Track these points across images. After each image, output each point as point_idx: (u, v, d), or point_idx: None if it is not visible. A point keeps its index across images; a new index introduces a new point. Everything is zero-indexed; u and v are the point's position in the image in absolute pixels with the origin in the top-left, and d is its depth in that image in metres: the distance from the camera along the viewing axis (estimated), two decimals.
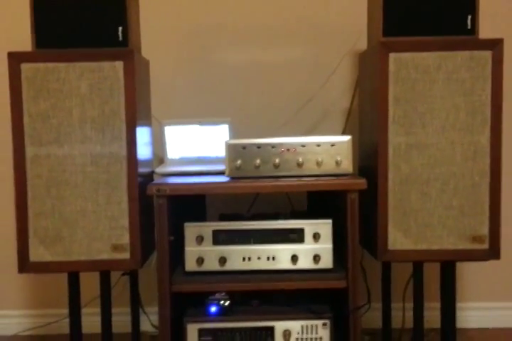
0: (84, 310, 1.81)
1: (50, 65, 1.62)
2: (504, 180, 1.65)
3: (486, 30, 1.71)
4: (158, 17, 2.13)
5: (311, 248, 1.66)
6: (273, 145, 1.67)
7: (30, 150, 1.63)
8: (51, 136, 1.63)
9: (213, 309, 1.69)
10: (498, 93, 1.62)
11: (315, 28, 2.15)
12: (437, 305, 1.83)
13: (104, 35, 1.65)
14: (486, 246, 1.66)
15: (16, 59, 1.62)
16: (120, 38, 1.65)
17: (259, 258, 1.67)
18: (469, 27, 1.64)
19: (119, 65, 1.62)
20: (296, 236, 1.67)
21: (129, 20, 1.66)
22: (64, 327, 1.93)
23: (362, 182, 1.62)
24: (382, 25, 1.66)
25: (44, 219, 1.64)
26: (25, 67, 1.62)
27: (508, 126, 1.73)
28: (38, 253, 1.65)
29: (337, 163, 1.66)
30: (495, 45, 1.61)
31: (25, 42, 1.68)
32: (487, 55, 1.61)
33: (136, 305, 1.91)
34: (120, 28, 1.65)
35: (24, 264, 1.65)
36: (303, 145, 1.67)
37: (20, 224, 1.64)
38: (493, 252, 1.66)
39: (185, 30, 2.17)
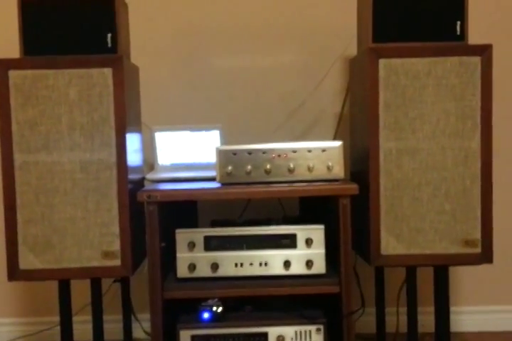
0: (75, 318, 1.80)
1: (39, 71, 1.61)
2: (495, 184, 1.66)
3: (475, 36, 1.71)
4: (147, 23, 2.12)
5: (304, 253, 1.66)
6: (264, 151, 1.67)
7: (18, 158, 1.62)
8: (40, 143, 1.62)
9: (206, 315, 1.68)
10: (488, 98, 1.63)
11: (306, 33, 2.15)
12: (431, 309, 1.82)
13: (93, 41, 1.64)
14: (478, 250, 1.66)
15: (3, 66, 1.61)
16: (109, 45, 1.64)
17: (251, 264, 1.66)
18: (458, 33, 1.65)
19: (108, 71, 1.62)
20: (288, 241, 1.67)
21: (118, 27, 1.65)
22: (55, 335, 1.91)
23: (353, 188, 1.62)
24: (372, 31, 1.66)
25: (33, 226, 1.63)
26: (13, 74, 1.61)
27: (498, 130, 1.73)
28: (27, 261, 1.64)
29: (328, 169, 1.66)
30: (484, 51, 1.62)
31: (13, 49, 1.67)
32: (476, 60, 1.62)
33: (128, 312, 1.90)
34: (109, 35, 1.64)
35: (14, 272, 1.64)
36: (294, 151, 1.67)
37: (9, 231, 1.63)
38: (485, 256, 1.67)
39: (175, 36, 2.16)
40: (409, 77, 1.62)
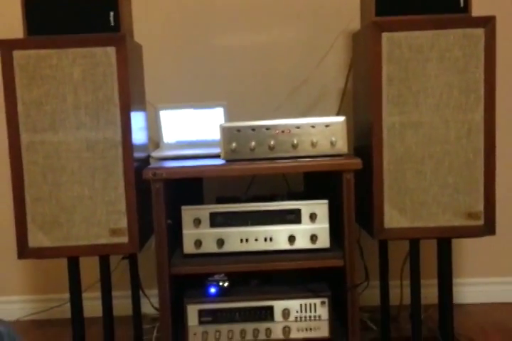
0: (85, 295, 1.83)
1: (42, 51, 1.61)
2: (498, 157, 1.66)
3: (478, 8, 1.70)
4: (149, 1, 2.11)
5: (308, 228, 1.68)
6: (267, 128, 1.67)
7: (25, 138, 1.63)
8: (45, 122, 1.63)
9: (213, 290, 1.71)
10: (492, 71, 1.62)
11: (308, 8, 2.14)
12: (434, 281, 1.85)
13: (96, 20, 1.63)
14: (481, 222, 1.67)
15: (7, 46, 1.61)
16: (112, 23, 1.64)
17: (256, 239, 1.68)
18: (462, 5, 1.63)
19: (111, 50, 1.61)
20: (293, 216, 1.68)
21: (121, 5, 1.64)
22: (65, 311, 1.95)
23: (357, 162, 1.63)
24: (375, 5, 1.64)
25: (41, 205, 1.65)
26: (17, 54, 1.61)
27: (502, 103, 1.73)
28: (36, 239, 1.66)
29: (332, 144, 1.67)
30: (487, 23, 1.61)
31: (16, 29, 1.67)
32: (480, 32, 1.61)
33: (136, 288, 1.92)
34: (111, 13, 1.63)
35: (23, 250, 1.67)
36: (297, 127, 1.67)
37: (17, 210, 1.65)
38: (488, 228, 1.68)
39: (177, 14, 2.15)
40: (412, 50, 1.62)
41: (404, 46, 1.62)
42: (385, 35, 1.62)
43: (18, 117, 1.63)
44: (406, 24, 1.62)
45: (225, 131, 1.68)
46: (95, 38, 1.62)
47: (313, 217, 1.67)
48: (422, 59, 1.62)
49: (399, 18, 1.63)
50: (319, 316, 1.70)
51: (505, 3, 2.11)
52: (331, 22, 2.11)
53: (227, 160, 1.68)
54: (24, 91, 1.62)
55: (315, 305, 1.70)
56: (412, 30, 1.61)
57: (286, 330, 1.70)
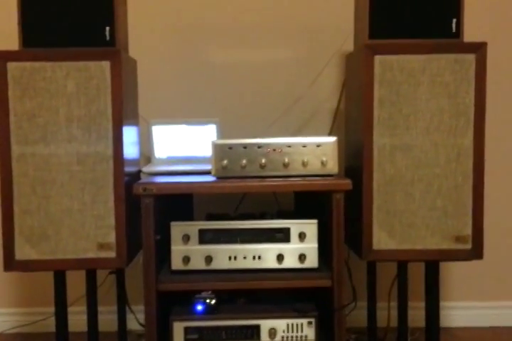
0: (70, 309, 1.81)
1: (37, 64, 1.62)
2: (487, 181, 1.67)
3: (470, 34, 1.72)
4: (145, 17, 2.13)
5: (297, 247, 1.68)
6: (259, 146, 1.68)
7: (16, 149, 1.63)
8: (37, 135, 1.63)
9: (199, 307, 1.70)
10: (482, 96, 1.64)
11: (303, 28, 2.16)
12: (422, 304, 1.85)
13: (92, 34, 1.65)
14: (469, 246, 1.68)
15: (2, 58, 1.62)
16: (107, 38, 1.65)
17: (245, 257, 1.68)
18: (454, 30, 1.66)
19: (105, 64, 1.62)
20: (282, 235, 1.68)
21: (117, 20, 1.66)
22: (50, 325, 1.93)
23: (347, 183, 1.64)
24: (368, 28, 1.67)
25: (30, 217, 1.64)
26: (11, 65, 1.62)
27: (491, 128, 1.75)
28: (23, 251, 1.65)
29: (323, 164, 1.68)
30: (479, 49, 1.63)
31: (11, 41, 1.68)
32: (471, 58, 1.63)
33: (122, 303, 1.91)
34: (107, 28, 1.65)
35: (10, 262, 1.65)
36: (289, 146, 1.68)
37: (5, 222, 1.64)
38: (476, 252, 1.68)
39: (173, 30, 2.17)
40: (404, 73, 1.64)
41: (396, 69, 1.64)
42: (377, 58, 1.64)
43: (9, 128, 1.63)
44: (398, 48, 1.64)
45: (216, 147, 1.68)
46: (90, 51, 1.63)
47: (302, 236, 1.68)
48: (413, 82, 1.64)
49: (392, 42, 1.66)
50: (306, 336, 1.69)
51: (497, 30, 2.15)
52: (326, 42, 2.13)
53: (218, 177, 1.68)
54: (17, 102, 1.62)
55: (302, 325, 1.69)
56: (405, 54, 1.63)
57: None
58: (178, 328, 1.68)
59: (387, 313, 2.01)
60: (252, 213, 1.89)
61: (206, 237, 1.68)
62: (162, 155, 1.94)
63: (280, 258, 1.67)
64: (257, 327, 1.69)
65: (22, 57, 1.62)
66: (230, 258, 1.68)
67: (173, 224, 1.68)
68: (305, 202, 2.00)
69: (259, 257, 1.68)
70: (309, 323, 1.69)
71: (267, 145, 1.68)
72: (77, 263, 1.66)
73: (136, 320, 2.01)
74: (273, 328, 1.69)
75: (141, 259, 1.69)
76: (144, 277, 1.64)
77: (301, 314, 1.69)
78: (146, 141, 1.94)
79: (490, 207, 1.80)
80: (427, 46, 1.64)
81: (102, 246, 1.66)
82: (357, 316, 1.99)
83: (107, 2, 1.65)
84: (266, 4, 2.16)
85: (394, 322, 1.86)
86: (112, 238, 1.65)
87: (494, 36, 2.01)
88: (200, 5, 2.16)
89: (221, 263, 1.68)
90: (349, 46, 1.94)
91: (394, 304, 1.84)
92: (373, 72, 1.64)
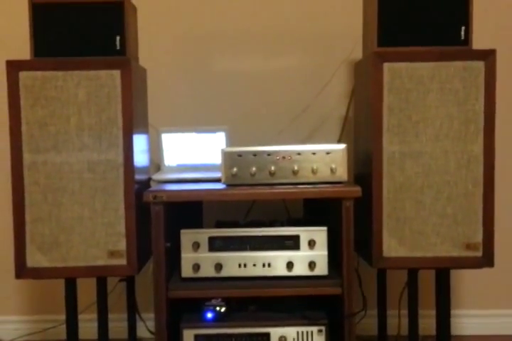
0: (81, 316, 1.82)
1: (48, 73, 1.64)
2: (497, 188, 1.67)
3: (479, 41, 1.72)
4: (155, 26, 2.14)
5: (307, 255, 1.68)
6: (269, 153, 1.68)
7: (27, 158, 1.64)
8: (49, 143, 1.65)
9: (209, 315, 1.70)
10: (491, 103, 1.64)
11: (312, 37, 2.17)
12: (433, 312, 1.84)
13: (102, 44, 1.67)
14: (479, 253, 1.67)
15: (14, 67, 1.64)
16: (118, 47, 1.67)
17: (254, 264, 1.68)
18: (463, 38, 1.66)
19: (116, 73, 1.64)
20: (291, 243, 1.68)
21: (127, 30, 1.68)
22: (61, 333, 1.93)
23: (357, 190, 1.64)
24: (377, 35, 1.67)
25: (41, 225, 1.65)
26: (23, 75, 1.64)
27: (501, 134, 1.75)
28: (35, 259, 1.66)
29: (332, 171, 1.68)
30: (488, 56, 1.63)
31: (23, 50, 1.70)
32: (480, 65, 1.63)
33: (132, 311, 1.92)
34: (118, 37, 1.66)
35: (21, 270, 1.67)
36: (298, 154, 1.68)
37: (17, 230, 1.65)
38: (487, 260, 1.68)
39: (183, 39, 2.18)
40: (413, 81, 1.64)
41: (405, 77, 1.64)
42: (386, 66, 1.64)
43: (21, 137, 1.64)
44: (407, 55, 1.64)
45: (226, 155, 1.69)
46: (101, 61, 1.65)
47: (311, 243, 1.67)
48: (422, 90, 1.64)
49: (401, 49, 1.66)
50: None
51: (506, 37, 2.14)
52: (334, 50, 2.14)
53: (228, 185, 1.69)
54: (28, 111, 1.64)
55: (312, 332, 1.69)
56: (414, 62, 1.64)
57: None
58: (188, 336, 1.68)
59: (397, 321, 2.00)
60: (262, 220, 1.89)
61: (216, 245, 1.68)
62: (172, 163, 1.95)
63: (290, 265, 1.67)
64: (267, 335, 1.68)
65: (34, 66, 1.64)
66: (239, 265, 1.68)
67: (183, 231, 1.68)
68: (314, 209, 2.00)
69: (269, 264, 1.68)
70: (319, 331, 1.68)
71: (277, 152, 1.68)
72: (88, 271, 1.67)
73: (146, 328, 2.02)
74: (283, 336, 1.68)
75: (151, 267, 1.69)
76: (154, 284, 1.64)
77: (311, 322, 1.69)
78: (155, 149, 1.96)
79: (501, 214, 1.79)
80: (435, 53, 1.64)
81: (112, 254, 1.66)
82: (367, 324, 1.99)
83: (118, 12, 1.67)
84: (275, 13, 2.18)
85: (404, 331, 1.85)
86: (122, 245, 1.66)
87: (503, 43, 2.01)
88: (209, 14, 2.18)
89: (231, 270, 1.68)
90: (358, 54, 1.95)
91: (404, 312, 1.83)
92: (382, 79, 1.64)
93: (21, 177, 1.65)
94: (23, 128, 1.64)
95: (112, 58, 1.66)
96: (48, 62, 1.65)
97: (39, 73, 1.64)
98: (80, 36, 1.67)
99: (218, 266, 1.67)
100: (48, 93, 1.64)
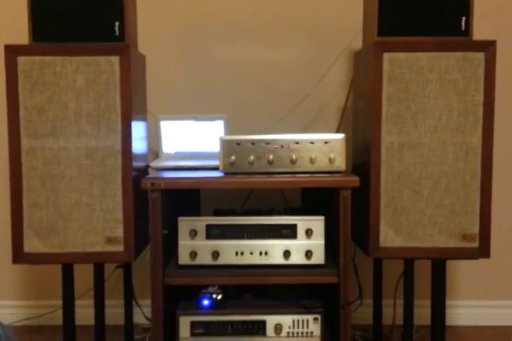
0: (77, 302, 1.83)
1: (47, 58, 1.63)
2: (495, 179, 1.67)
3: (479, 32, 1.72)
4: (155, 12, 2.13)
5: (304, 244, 1.68)
6: (267, 142, 1.68)
7: (25, 143, 1.64)
8: (46, 129, 1.64)
9: (206, 302, 1.71)
10: (491, 94, 1.63)
11: (312, 26, 2.16)
12: (428, 302, 1.84)
13: (101, 29, 1.65)
14: (476, 244, 1.68)
15: (12, 52, 1.63)
16: (117, 33, 1.66)
17: (251, 253, 1.68)
18: (463, 28, 1.65)
19: (115, 59, 1.63)
20: (288, 232, 1.69)
21: (126, 16, 1.67)
22: (57, 318, 1.95)
23: (355, 180, 1.64)
24: (378, 25, 1.66)
25: (38, 211, 1.66)
26: (21, 60, 1.63)
27: (500, 126, 1.75)
28: (32, 244, 1.66)
29: (330, 161, 1.68)
30: (488, 47, 1.62)
31: (22, 35, 1.69)
32: (480, 56, 1.63)
33: (129, 297, 1.92)
34: (117, 23, 1.65)
35: (18, 255, 1.67)
36: (297, 143, 1.68)
37: (14, 215, 1.66)
38: (483, 251, 1.68)
39: (182, 26, 2.17)
40: (412, 71, 1.63)
41: (404, 67, 1.64)
42: (386, 55, 1.64)
43: (19, 122, 1.64)
44: (408, 45, 1.64)
45: (224, 143, 1.69)
46: (100, 46, 1.64)
47: (309, 232, 1.68)
48: (422, 80, 1.64)
49: (401, 39, 1.65)
50: (311, 332, 1.69)
51: (506, 28, 2.14)
52: (334, 40, 2.13)
53: (226, 173, 1.69)
54: (27, 96, 1.64)
55: (307, 321, 1.70)
56: (414, 52, 1.63)
57: None
58: (185, 322, 1.69)
59: (392, 311, 2.01)
60: (260, 209, 1.90)
61: (213, 232, 1.69)
62: (170, 151, 1.95)
63: (287, 254, 1.68)
64: (263, 323, 1.70)
65: (32, 51, 1.63)
66: (236, 253, 1.68)
67: (180, 219, 1.69)
68: (312, 198, 2.00)
69: (266, 253, 1.68)
70: (315, 319, 1.69)
71: (275, 141, 1.68)
72: (85, 257, 1.67)
73: (142, 314, 2.02)
74: (279, 324, 1.69)
75: (148, 254, 1.70)
76: (151, 271, 1.65)
77: (307, 310, 1.70)
78: (154, 136, 1.95)
79: (498, 206, 1.79)
80: (436, 44, 1.63)
81: (109, 240, 1.67)
82: (363, 313, 2.00)
83: None
84: (275, 2, 2.17)
85: (399, 320, 1.86)
86: (119, 232, 1.67)
87: (503, 34, 2.01)
88: (209, 1, 2.17)
89: (228, 258, 1.68)
90: (358, 43, 1.94)
91: (400, 302, 1.84)
92: (382, 69, 1.63)
93: (19, 163, 1.64)
94: (21, 113, 1.64)
95: (110, 44, 1.65)
96: (47, 47, 1.64)
97: (37, 58, 1.63)
98: (79, 21, 1.66)
99: (215, 254, 1.67)
100: (47, 78, 1.63)
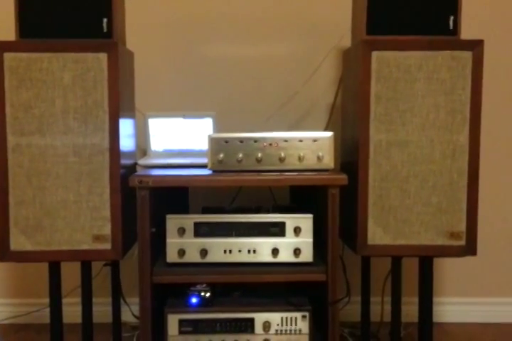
0: (65, 300, 1.82)
1: (34, 54, 1.61)
2: (482, 178, 1.68)
3: (467, 31, 1.72)
4: (143, 9, 2.12)
5: (292, 241, 1.68)
6: (256, 140, 1.68)
7: (11, 140, 1.63)
8: (33, 126, 1.63)
9: (194, 300, 1.71)
10: (478, 93, 1.64)
11: (300, 23, 2.16)
12: (415, 299, 1.86)
13: (89, 26, 1.64)
14: (462, 242, 1.69)
15: None
16: (105, 30, 1.64)
17: (240, 250, 1.68)
18: (451, 27, 1.66)
19: (102, 56, 1.62)
20: (277, 229, 1.69)
21: (114, 12, 1.65)
22: (45, 316, 1.94)
23: (343, 178, 1.64)
24: (366, 24, 1.67)
25: (25, 208, 1.64)
26: (8, 56, 1.61)
27: (487, 125, 1.76)
28: (18, 242, 1.65)
29: (319, 159, 1.68)
30: (475, 46, 1.63)
31: (8, 31, 1.68)
32: (468, 55, 1.63)
33: (117, 295, 1.92)
34: (105, 20, 1.64)
35: (5, 253, 1.66)
36: (285, 141, 1.68)
37: (0, 213, 1.64)
38: (469, 248, 1.69)
39: (171, 23, 2.16)
40: (400, 70, 1.64)
41: (393, 65, 1.64)
42: (374, 54, 1.64)
43: (5, 119, 1.62)
44: (396, 44, 1.64)
45: (213, 141, 1.68)
46: (87, 43, 1.63)
47: (297, 230, 1.68)
48: (410, 79, 1.64)
49: (389, 38, 1.66)
50: (300, 330, 1.70)
51: (494, 27, 2.15)
52: (323, 38, 2.13)
53: (214, 171, 1.69)
54: (13, 93, 1.62)
55: (296, 318, 1.70)
56: (402, 50, 1.63)
57: None
58: (173, 320, 1.69)
59: (380, 308, 2.03)
60: (248, 207, 1.90)
61: (201, 230, 1.68)
62: (158, 148, 1.94)
63: (275, 252, 1.68)
64: (251, 320, 1.70)
65: (19, 47, 1.62)
66: (225, 251, 1.68)
67: (168, 216, 1.68)
68: (300, 196, 2.00)
69: (254, 251, 1.68)
70: (303, 317, 1.70)
71: (264, 139, 1.68)
72: (72, 255, 1.66)
73: (130, 312, 2.02)
74: (267, 321, 1.70)
75: (136, 251, 1.69)
76: (139, 269, 1.64)
77: (295, 308, 1.70)
78: (142, 134, 1.94)
79: (484, 204, 1.81)
80: (424, 43, 1.64)
81: (97, 238, 1.66)
82: (351, 310, 2.01)
83: None
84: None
85: (387, 317, 1.87)
86: (107, 230, 1.66)
87: (491, 34, 2.02)
88: None
89: (216, 256, 1.68)
90: (346, 42, 1.94)
91: (387, 299, 1.85)
92: (370, 67, 1.64)
93: (5, 160, 1.63)
94: (7, 110, 1.62)
95: (98, 41, 1.64)
96: (34, 43, 1.62)
97: (24, 55, 1.61)
98: (66, 18, 1.64)
99: (203, 252, 1.67)
100: (33, 75, 1.62)
